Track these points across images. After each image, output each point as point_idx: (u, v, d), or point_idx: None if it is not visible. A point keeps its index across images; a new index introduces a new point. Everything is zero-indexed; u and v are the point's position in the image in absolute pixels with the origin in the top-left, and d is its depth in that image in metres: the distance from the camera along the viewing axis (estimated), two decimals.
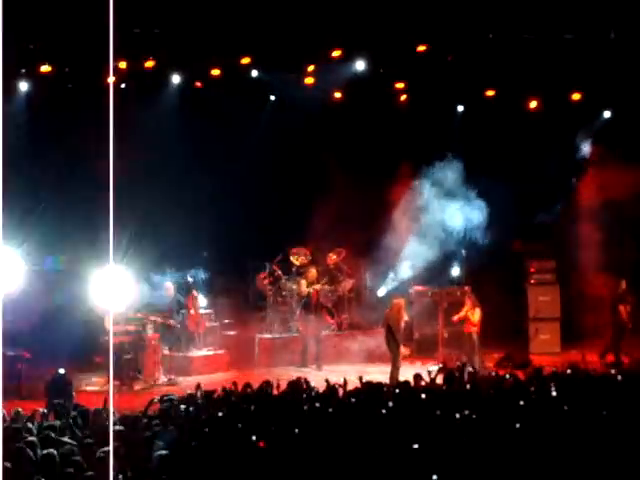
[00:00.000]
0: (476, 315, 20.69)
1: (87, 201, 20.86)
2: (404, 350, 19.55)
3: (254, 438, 11.83)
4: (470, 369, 16.73)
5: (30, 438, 11.60)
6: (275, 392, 14.90)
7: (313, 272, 22.76)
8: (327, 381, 15.42)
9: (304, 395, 14.53)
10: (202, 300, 22.16)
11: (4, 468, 10.03)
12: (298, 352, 21.75)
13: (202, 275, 22.43)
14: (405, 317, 20.18)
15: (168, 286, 21.66)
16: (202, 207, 22.28)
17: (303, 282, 22.54)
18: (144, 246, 21.20)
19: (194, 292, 21.73)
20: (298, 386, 15.13)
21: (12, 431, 11.92)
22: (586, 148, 24.14)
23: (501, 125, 23.06)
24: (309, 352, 21.61)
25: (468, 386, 14.96)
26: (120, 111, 21.43)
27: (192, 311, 21.57)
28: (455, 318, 21.27)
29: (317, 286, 22.61)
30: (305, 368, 20.93)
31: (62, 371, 16.68)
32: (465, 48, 21.49)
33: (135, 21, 19.32)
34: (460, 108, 23.82)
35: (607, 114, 23.93)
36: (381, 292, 22.98)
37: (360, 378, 15.62)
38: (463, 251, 23.27)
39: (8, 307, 18.04)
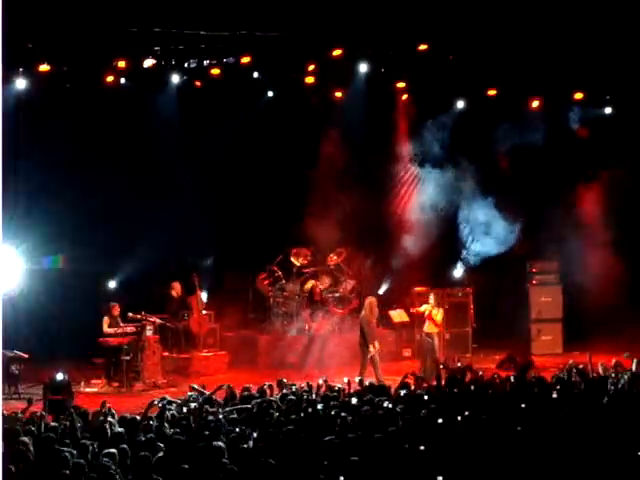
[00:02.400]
0: (439, 315, 20.11)
1: (86, 199, 20.85)
2: (372, 350, 19.31)
3: (255, 435, 11.80)
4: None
5: (29, 440, 11.50)
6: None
7: (325, 280, 22.60)
8: (325, 381, 15.34)
9: (304, 397, 14.44)
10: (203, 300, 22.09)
11: (6, 470, 9.96)
12: (300, 353, 21.56)
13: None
14: (401, 317, 20.02)
15: (175, 285, 21.49)
16: (201, 206, 22.18)
17: (310, 283, 22.38)
18: (147, 245, 21.28)
19: (198, 291, 21.60)
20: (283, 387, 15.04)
21: (11, 433, 11.83)
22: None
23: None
24: (312, 353, 21.38)
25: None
26: (120, 109, 21.56)
27: (195, 312, 21.45)
28: (413, 311, 20.98)
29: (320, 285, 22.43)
30: (306, 370, 20.70)
31: (61, 372, 16.57)
32: (467, 47, 21.40)
33: (134, 19, 19.23)
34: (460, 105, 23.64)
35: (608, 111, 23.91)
36: (382, 290, 22.92)
37: (360, 381, 15.51)
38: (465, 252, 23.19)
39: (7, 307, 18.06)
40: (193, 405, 13.56)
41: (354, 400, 13.82)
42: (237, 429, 12.09)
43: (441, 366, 17.86)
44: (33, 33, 19.22)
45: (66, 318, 20.22)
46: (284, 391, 14.69)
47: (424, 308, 20.24)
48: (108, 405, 13.58)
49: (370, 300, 19.99)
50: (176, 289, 21.55)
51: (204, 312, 21.83)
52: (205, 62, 21.23)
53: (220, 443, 11.08)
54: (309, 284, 22.68)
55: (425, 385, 15.42)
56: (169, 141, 21.96)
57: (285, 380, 15.48)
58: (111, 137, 21.34)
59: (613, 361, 16.34)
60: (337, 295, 22.82)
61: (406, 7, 19.90)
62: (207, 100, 22.06)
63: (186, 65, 21.27)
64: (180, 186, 22.09)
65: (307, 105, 22.51)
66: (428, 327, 20.01)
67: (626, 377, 15.23)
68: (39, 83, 20.34)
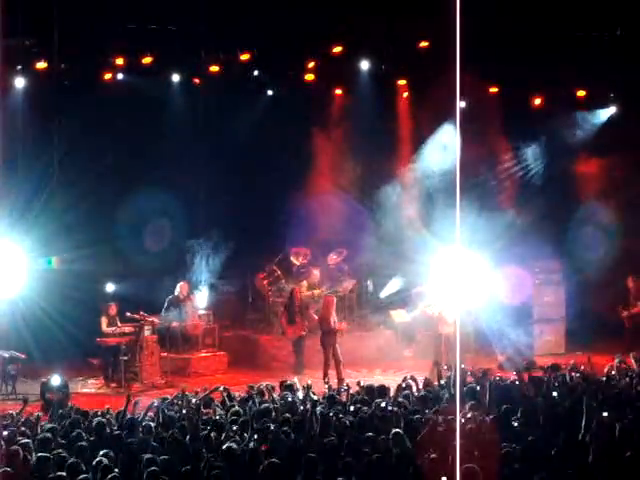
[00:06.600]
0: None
1: (85, 198, 20.75)
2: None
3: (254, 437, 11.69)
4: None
5: (26, 441, 11.38)
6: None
7: (315, 274, 22.38)
8: (325, 383, 15.23)
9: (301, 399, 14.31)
10: (202, 300, 21.89)
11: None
12: (298, 353, 21.37)
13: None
14: (402, 317, 19.80)
15: (183, 285, 21.18)
16: (201, 206, 22.09)
17: (304, 284, 22.14)
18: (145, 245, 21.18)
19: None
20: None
21: (8, 434, 11.70)
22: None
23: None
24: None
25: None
26: (119, 106, 21.45)
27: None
28: (423, 307, 20.76)
29: (316, 291, 22.19)
30: (302, 372, 20.45)
31: (58, 373, 16.46)
32: (468, 45, 21.22)
33: (132, 16, 19.15)
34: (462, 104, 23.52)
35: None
36: (385, 293, 22.74)
37: (358, 382, 15.39)
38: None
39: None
40: (193, 402, 13.48)
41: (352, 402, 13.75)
42: (236, 431, 11.99)
43: (445, 367, 17.66)
44: (30, 30, 19.13)
45: (64, 318, 20.07)
46: (284, 392, 14.57)
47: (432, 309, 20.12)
48: (107, 407, 13.51)
49: (327, 299, 19.84)
50: (183, 289, 21.24)
51: (202, 312, 21.68)
52: (204, 59, 21.14)
53: (230, 444, 10.98)
54: (308, 289, 22.38)
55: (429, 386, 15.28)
56: (167, 140, 21.86)
57: (287, 381, 15.37)
58: (110, 135, 21.22)
59: (616, 361, 16.27)
60: (337, 295, 22.61)
61: (406, 4, 19.83)
62: (206, 98, 21.97)
63: (184, 63, 21.22)
64: (180, 186, 21.97)
65: (307, 103, 22.38)
66: (440, 326, 19.72)
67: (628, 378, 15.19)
68: (37, 81, 20.24)
